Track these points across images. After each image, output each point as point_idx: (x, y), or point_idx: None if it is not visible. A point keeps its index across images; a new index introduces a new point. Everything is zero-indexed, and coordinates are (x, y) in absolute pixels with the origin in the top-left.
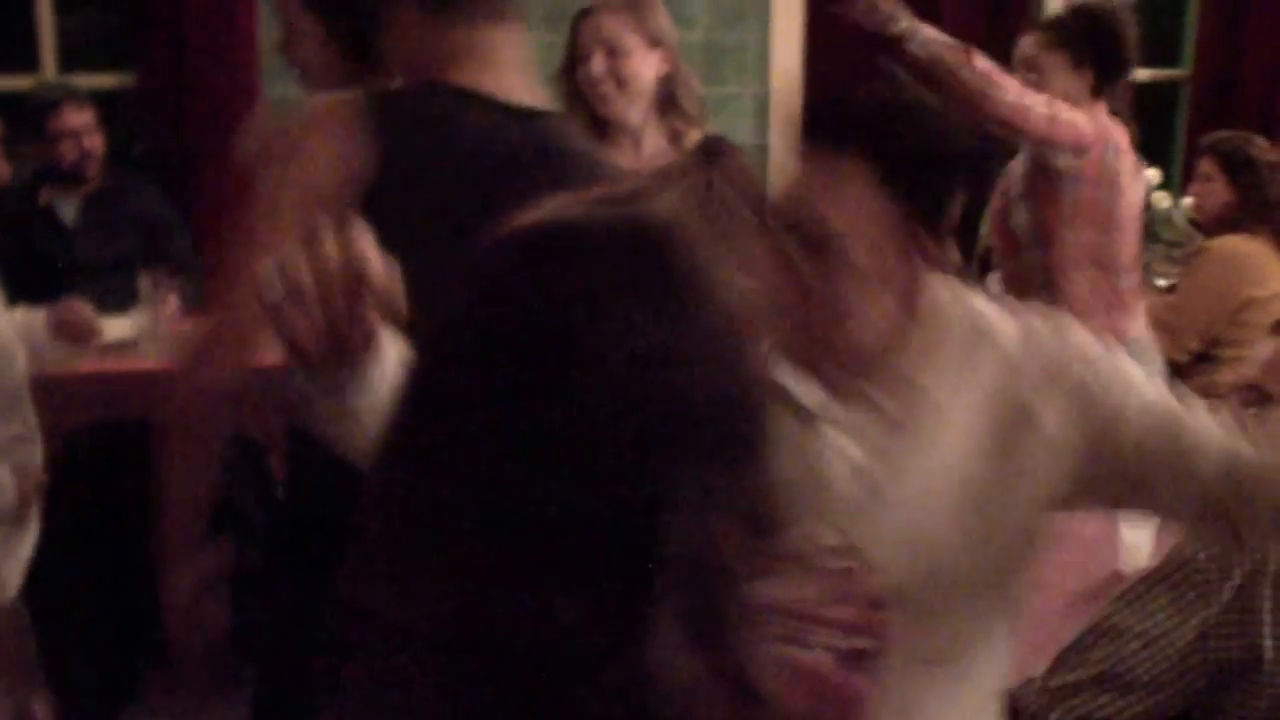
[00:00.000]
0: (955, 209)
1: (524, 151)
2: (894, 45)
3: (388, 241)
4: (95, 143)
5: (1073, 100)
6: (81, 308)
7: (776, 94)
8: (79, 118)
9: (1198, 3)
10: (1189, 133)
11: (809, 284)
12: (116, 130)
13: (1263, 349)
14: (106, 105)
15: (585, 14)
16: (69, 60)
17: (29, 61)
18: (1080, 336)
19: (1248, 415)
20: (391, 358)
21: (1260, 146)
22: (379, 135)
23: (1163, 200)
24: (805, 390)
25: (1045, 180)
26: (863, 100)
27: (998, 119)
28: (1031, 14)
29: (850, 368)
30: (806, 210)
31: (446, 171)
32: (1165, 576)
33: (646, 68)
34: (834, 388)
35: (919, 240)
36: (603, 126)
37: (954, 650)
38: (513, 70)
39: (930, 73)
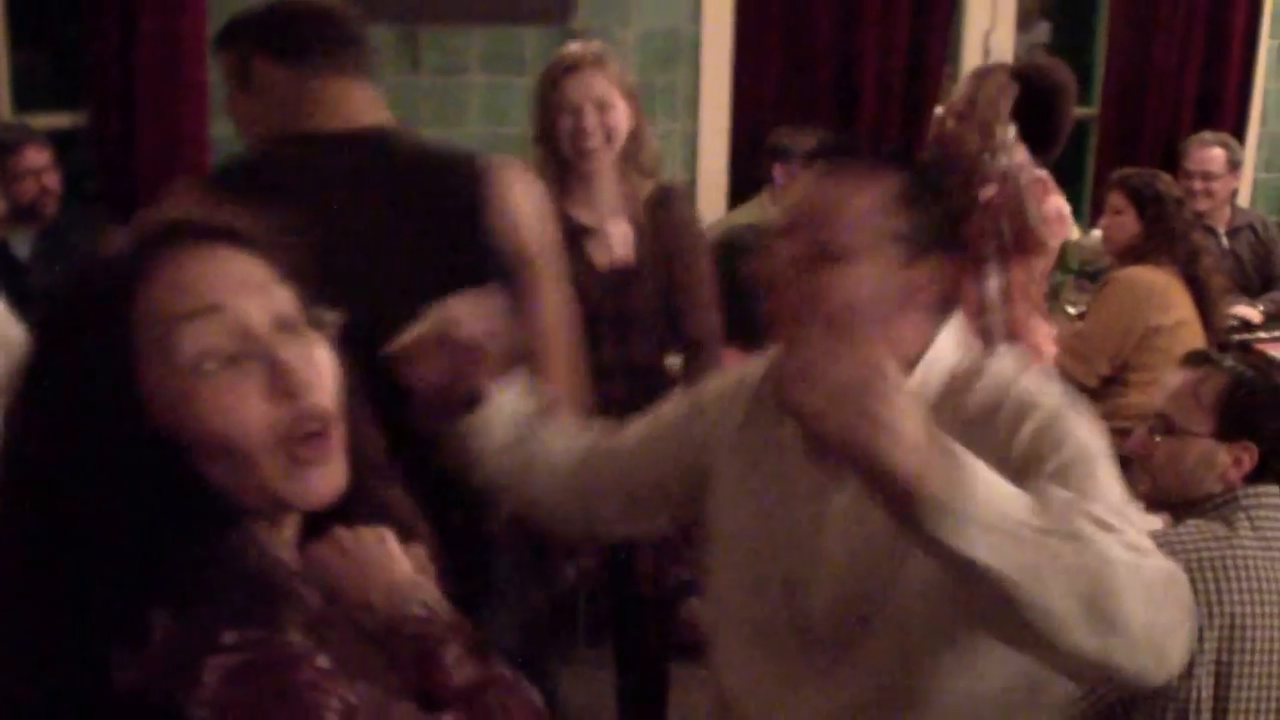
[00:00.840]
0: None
1: (364, 166)
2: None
3: None
4: (53, 181)
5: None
6: None
7: (705, 131)
8: (39, 158)
9: (1105, 46)
10: (1097, 168)
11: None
12: (69, 168)
13: (1171, 379)
14: (59, 144)
15: (571, 70)
16: (22, 99)
17: None
18: (1085, 434)
19: (1154, 443)
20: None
21: (1166, 181)
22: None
23: (1073, 232)
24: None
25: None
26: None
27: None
28: (950, 70)
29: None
30: (821, 224)
31: (296, 213)
32: None
33: (625, 121)
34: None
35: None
36: (566, 176)
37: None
38: (362, 115)
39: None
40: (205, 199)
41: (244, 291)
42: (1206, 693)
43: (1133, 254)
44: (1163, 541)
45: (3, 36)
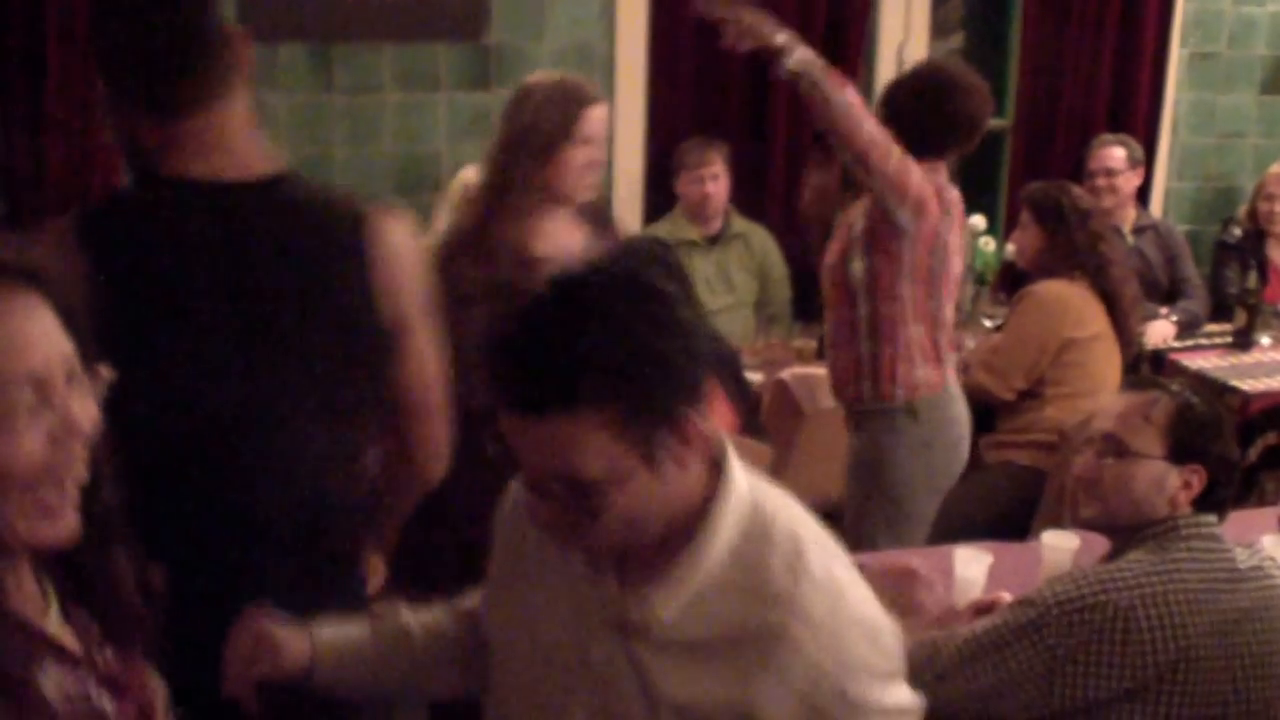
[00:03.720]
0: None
1: (224, 220)
2: (769, 59)
3: (114, 337)
4: None
5: None
6: None
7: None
8: None
9: (1018, 59)
10: (1011, 180)
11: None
12: None
13: (1115, 402)
14: None
15: (593, 102)
16: None
17: None
18: (863, 653)
19: (1103, 465)
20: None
21: (1074, 195)
22: (85, 249)
23: (989, 245)
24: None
25: (884, 235)
26: (583, 353)
27: (858, 150)
28: (866, 61)
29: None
30: (558, 471)
31: (152, 264)
32: (1018, 625)
33: None
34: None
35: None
36: (526, 202)
37: None
38: (227, 148)
39: (802, 92)
40: (71, 243)
41: (51, 347)
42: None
43: (1040, 269)
44: (1106, 580)
45: None
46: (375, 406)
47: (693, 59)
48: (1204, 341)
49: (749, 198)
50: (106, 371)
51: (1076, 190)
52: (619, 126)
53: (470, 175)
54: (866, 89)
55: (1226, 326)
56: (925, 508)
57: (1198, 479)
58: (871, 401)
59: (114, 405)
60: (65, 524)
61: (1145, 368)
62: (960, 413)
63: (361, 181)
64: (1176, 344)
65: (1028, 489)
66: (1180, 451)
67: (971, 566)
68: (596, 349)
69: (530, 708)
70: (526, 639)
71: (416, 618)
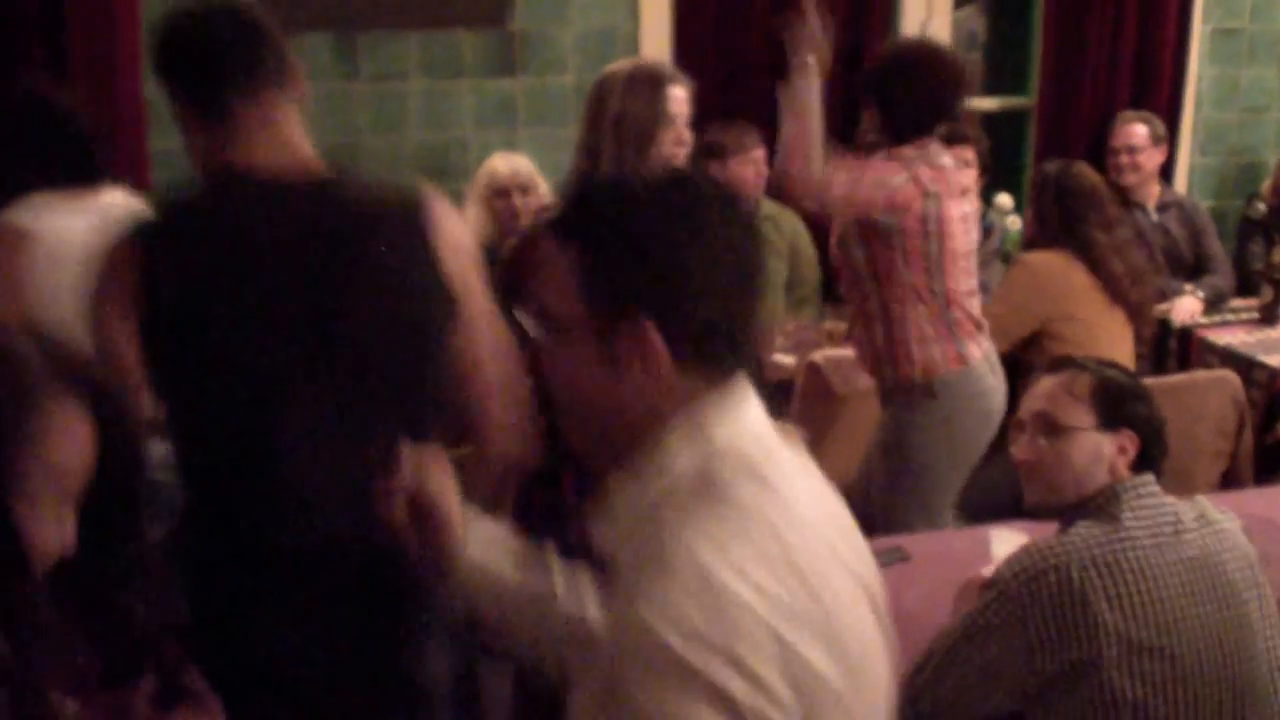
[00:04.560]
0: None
1: (292, 224)
2: (783, 72)
3: (185, 336)
4: None
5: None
6: None
7: None
8: None
9: (1041, 37)
10: (1036, 157)
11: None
12: None
13: (1039, 385)
14: None
15: (674, 82)
16: None
17: None
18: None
19: (1040, 446)
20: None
21: (1076, 174)
22: (149, 256)
23: (1015, 224)
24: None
25: (871, 229)
26: (587, 193)
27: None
28: (890, 38)
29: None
30: (538, 298)
31: (218, 263)
32: (986, 607)
33: None
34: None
35: (632, 345)
36: None
37: None
38: (282, 145)
39: (788, 119)
40: (127, 259)
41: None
42: (1123, 684)
43: (1029, 242)
44: (1056, 547)
45: None
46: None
47: (717, 43)
48: (1230, 317)
49: (771, 181)
50: None
51: (1078, 169)
52: None
53: (499, 163)
54: None
55: (1252, 302)
56: (950, 482)
57: (1131, 443)
58: (892, 381)
59: (186, 409)
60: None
61: (1172, 344)
62: (989, 386)
63: (388, 169)
64: (1204, 320)
65: None
66: (1108, 419)
67: (1007, 546)
68: (619, 215)
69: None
70: None
71: (563, 577)
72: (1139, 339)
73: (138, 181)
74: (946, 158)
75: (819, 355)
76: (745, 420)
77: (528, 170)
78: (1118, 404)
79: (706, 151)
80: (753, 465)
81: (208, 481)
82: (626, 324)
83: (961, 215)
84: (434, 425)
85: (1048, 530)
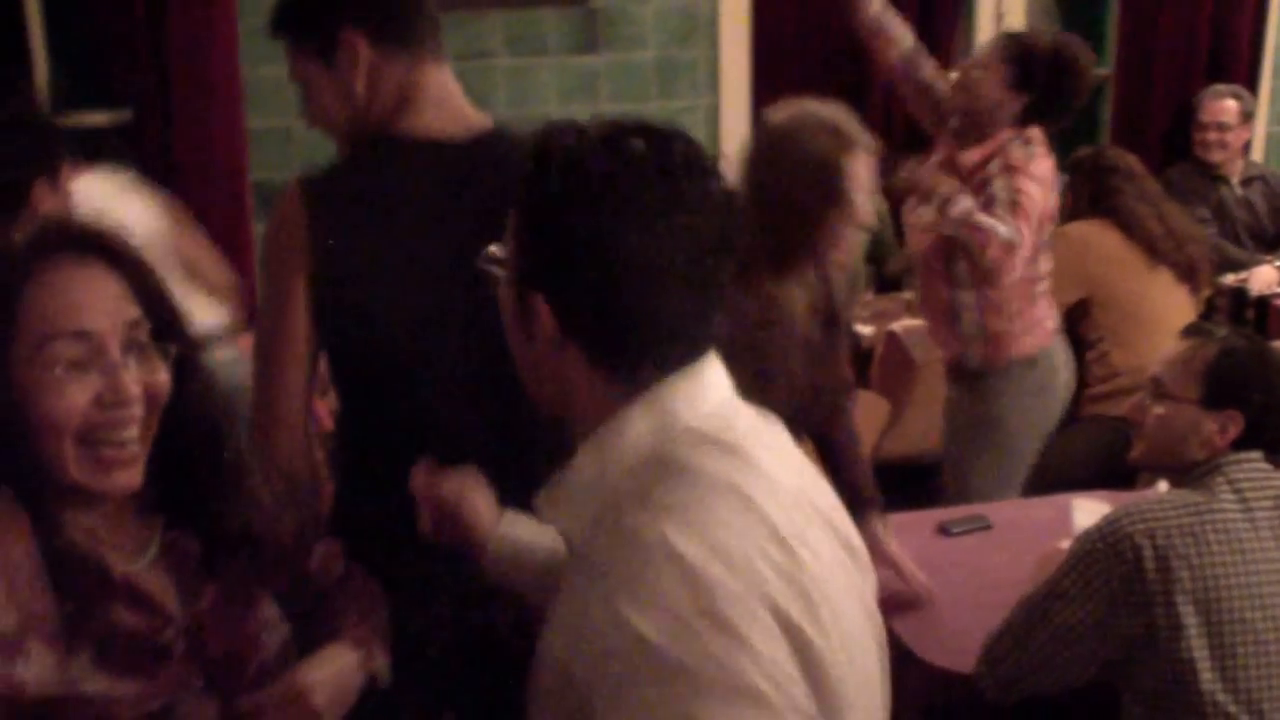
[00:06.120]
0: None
1: (447, 178)
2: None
3: (348, 289)
4: None
5: (996, 115)
6: None
7: (726, 106)
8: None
9: (1117, 6)
10: (1113, 128)
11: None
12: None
13: (1170, 349)
14: (97, 142)
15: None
16: (60, 98)
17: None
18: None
19: (1148, 407)
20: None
21: (1110, 155)
22: (315, 211)
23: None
24: None
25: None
26: (547, 156)
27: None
28: (965, 14)
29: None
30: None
31: (378, 223)
32: (1070, 569)
33: None
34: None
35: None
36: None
37: None
38: (467, 113)
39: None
40: (297, 209)
41: (107, 314)
42: (1202, 652)
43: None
44: (1140, 515)
45: (40, 37)
46: None
47: (795, 20)
48: None
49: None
50: (171, 347)
51: (1113, 151)
52: (724, 87)
53: None
54: (968, 42)
55: None
56: (1031, 454)
57: (1234, 425)
58: (982, 364)
59: (342, 359)
60: (124, 478)
61: (1249, 313)
62: (1068, 357)
63: None
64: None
65: (1121, 438)
66: (1216, 397)
67: (1090, 517)
68: (561, 192)
69: None
70: None
71: None
72: (1199, 301)
73: (235, 160)
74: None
75: (898, 325)
76: (712, 401)
77: None
78: (1229, 383)
79: None
80: (719, 439)
81: (363, 435)
82: (530, 295)
83: (1055, 202)
84: None
85: (1132, 499)
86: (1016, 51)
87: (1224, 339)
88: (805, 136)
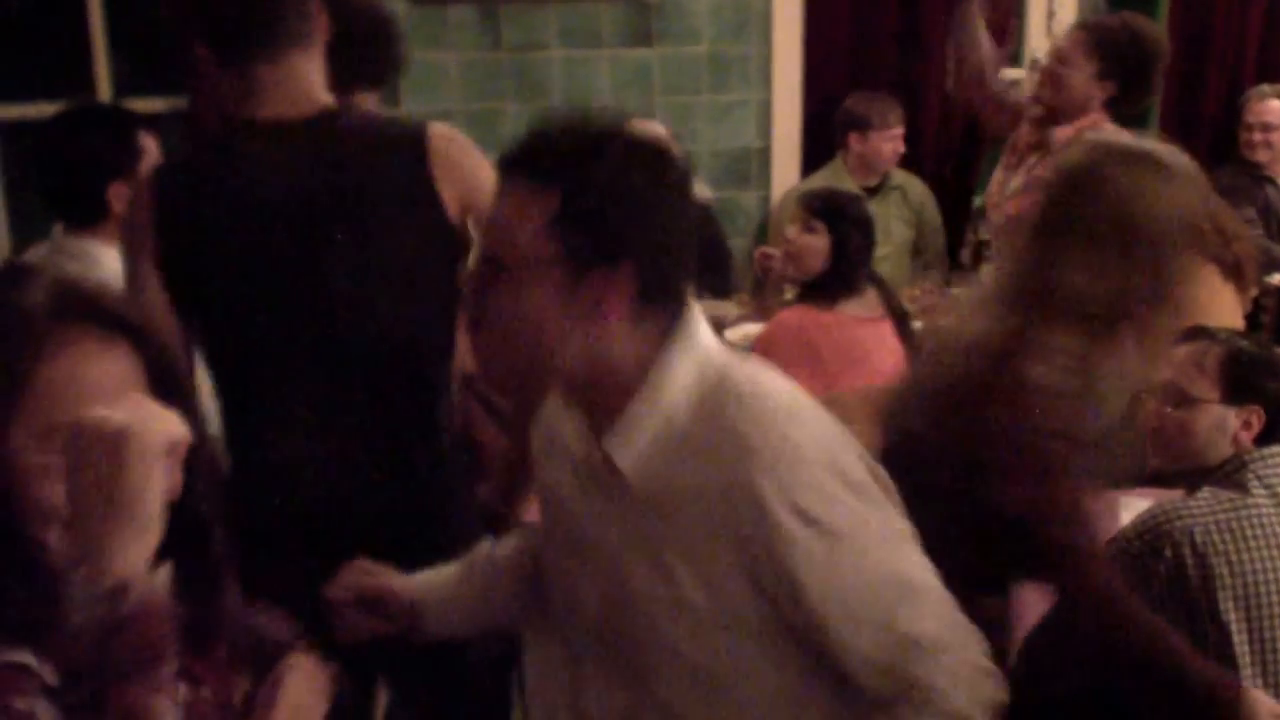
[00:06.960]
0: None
1: (289, 156)
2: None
3: (195, 268)
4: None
5: (1082, 107)
6: None
7: (778, 100)
8: (149, 143)
9: (1168, 4)
10: (1162, 126)
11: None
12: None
13: (1174, 354)
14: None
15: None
16: (121, 85)
17: (85, 86)
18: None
19: (1167, 414)
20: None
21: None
22: (163, 195)
23: None
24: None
25: None
26: (556, 138)
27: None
28: (1017, 26)
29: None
30: (491, 235)
31: (218, 198)
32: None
33: None
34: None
35: (594, 287)
36: None
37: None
38: (302, 99)
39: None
40: (152, 206)
41: (113, 399)
42: (1243, 647)
43: None
44: (1178, 513)
45: (101, 24)
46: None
47: (848, 11)
48: None
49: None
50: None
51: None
52: (775, 82)
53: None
54: (1020, 35)
55: None
56: None
57: (1257, 419)
58: None
59: (209, 339)
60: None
61: None
62: None
63: None
64: None
65: None
66: (1236, 393)
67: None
68: (598, 165)
69: (557, 592)
70: (551, 524)
71: (500, 550)
72: (1246, 300)
73: None
74: None
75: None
76: (711, 336)
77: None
78: (1246, 378)
79: (849, 120)
80: (736, 360)
81: (231, 403)
82: (604, 267)
83: None
84: (441, 361)
85: (1179, 498)
86: (1098, 42)
87: (1228, 339)
88: None
